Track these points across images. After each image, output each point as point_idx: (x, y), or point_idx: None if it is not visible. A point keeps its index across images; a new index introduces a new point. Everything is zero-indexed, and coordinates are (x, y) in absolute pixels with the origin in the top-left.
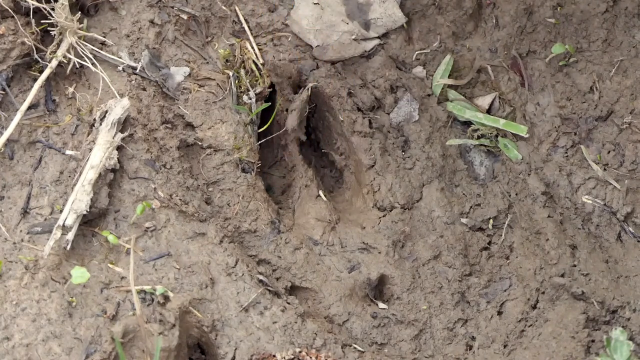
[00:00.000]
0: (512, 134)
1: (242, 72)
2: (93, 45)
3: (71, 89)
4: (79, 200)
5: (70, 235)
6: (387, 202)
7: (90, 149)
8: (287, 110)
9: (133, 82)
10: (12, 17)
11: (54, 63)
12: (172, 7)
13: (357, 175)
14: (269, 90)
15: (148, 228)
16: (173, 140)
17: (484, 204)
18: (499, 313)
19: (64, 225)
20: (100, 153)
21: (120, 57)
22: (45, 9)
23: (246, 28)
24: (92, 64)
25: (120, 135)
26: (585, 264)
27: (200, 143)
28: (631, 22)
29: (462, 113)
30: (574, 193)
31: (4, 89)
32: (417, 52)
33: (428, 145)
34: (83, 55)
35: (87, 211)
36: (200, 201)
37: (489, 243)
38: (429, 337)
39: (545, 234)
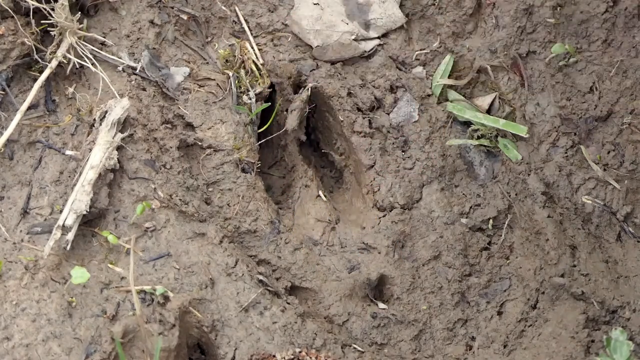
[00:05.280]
0: (512, 134)
1: (242, 72)
2: (93, 46)
3: (71, 89)
4: (79, 200)
5: (70, 236)
6: (387, 202)
7: (90, 149)
8: (287, 110)
9: (133, 82)
10: (12, 17)
11: (54, 63)
12: (172, 8)
13: (357, 175)
14: (269, 90)
15: (148, 228)
16: (173, 140)
17: (483, 204)
18: (499, 313)
19: (63, 225)
20: (100, 153)
21: (120, 57)
22: (45, 9)
23: (246, 28)
24: (92, 64)
25: (120, 136)
26: (585, 264)
27: (200, 143)
28: (631, 22)
29: (462, 113)
30: (574, 193)
31: (4, 89)
32: (417, 52)
33: (428, 146)
34: (83, 55)
35: (87, 211)
36: (200, 201)
37: (489, 243)
38: (428, 337)
39: (545, 234)
